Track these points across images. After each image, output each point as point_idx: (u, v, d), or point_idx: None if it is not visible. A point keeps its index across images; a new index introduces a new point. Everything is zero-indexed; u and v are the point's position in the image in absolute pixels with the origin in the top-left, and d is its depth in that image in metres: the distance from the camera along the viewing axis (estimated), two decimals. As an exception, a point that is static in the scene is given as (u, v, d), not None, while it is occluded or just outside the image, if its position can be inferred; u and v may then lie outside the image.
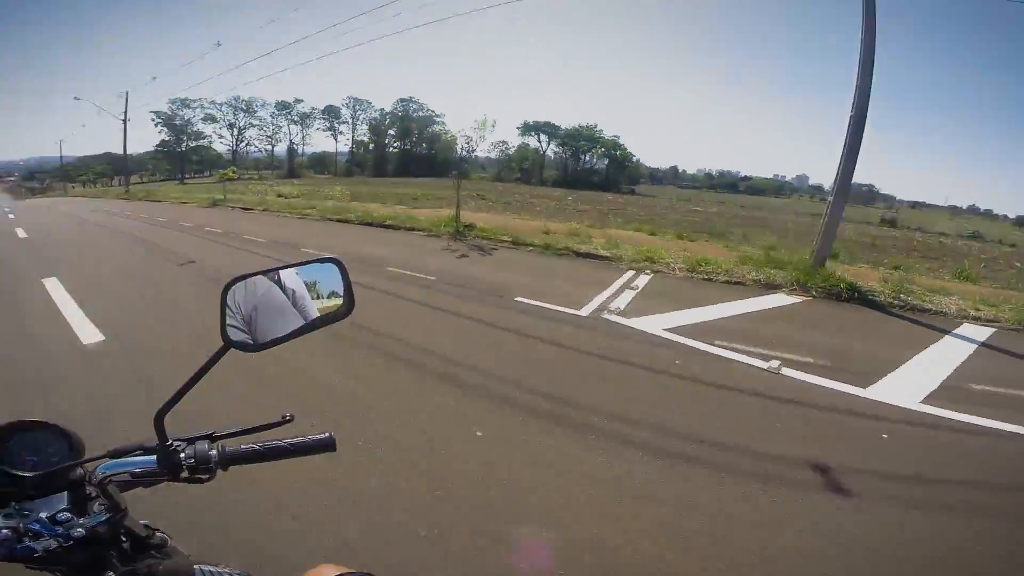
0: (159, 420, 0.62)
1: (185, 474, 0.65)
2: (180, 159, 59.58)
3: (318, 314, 0.71)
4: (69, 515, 0.59)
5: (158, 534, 0.68)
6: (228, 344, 0.63)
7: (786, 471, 2.34)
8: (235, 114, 61.73)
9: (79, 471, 0.62)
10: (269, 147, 63.93)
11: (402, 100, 63.91)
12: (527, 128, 57.64)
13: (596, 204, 26.15)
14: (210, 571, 0.72)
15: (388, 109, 63.87)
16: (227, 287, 0.64)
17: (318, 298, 0.72)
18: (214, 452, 0.65)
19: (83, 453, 0.64)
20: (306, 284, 0.71)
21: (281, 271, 0.69)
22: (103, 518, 0.60)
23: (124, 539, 0.65)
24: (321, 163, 64.01)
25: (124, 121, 34.50)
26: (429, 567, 1.72)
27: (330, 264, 0.73)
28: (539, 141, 58.25)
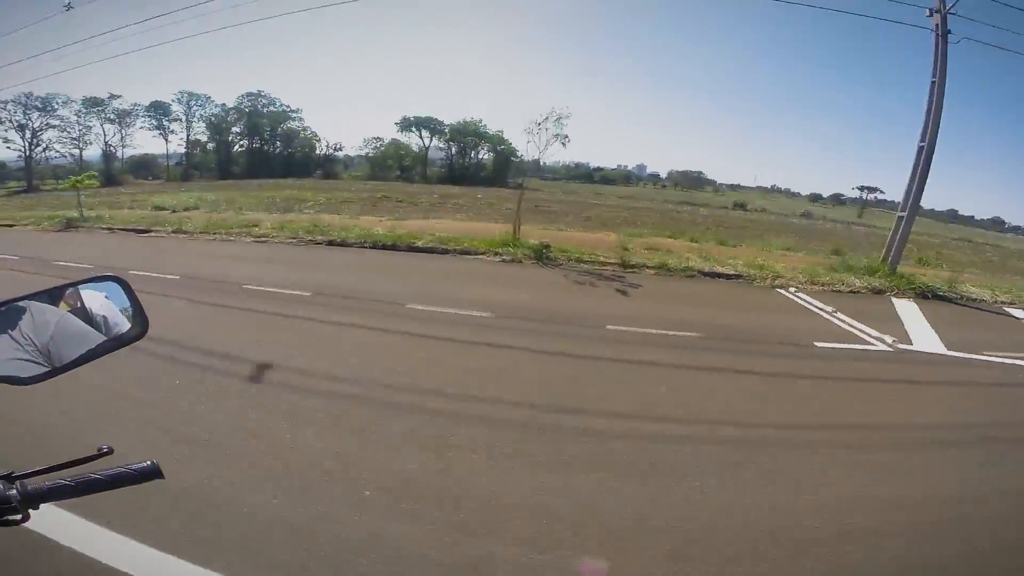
0: None
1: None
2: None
3: (104, 337, 0.68)
4: None
5: None
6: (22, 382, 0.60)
7: None
8: (26, 113, 49.20)
9: None
10: (75, 151, 51.17)
11: (249, 95, 57.74)
12: (407, 124, 56.12)
13: (506, 201, 23.49)
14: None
15: (231, 104, 57.36)
16: None
17: (104, 320, 0.69)
18: (14, 491, 0.59)
19: None
20: (89, 306, 0.68)
21: (57, 291, 0.67)
22: None
23: None
24: (144, 167, 54.85)
25: None
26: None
27: (111, 283, 0.71)
28: (420, 137, 57.20)
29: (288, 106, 55.68)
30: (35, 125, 47.85)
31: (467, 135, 56.33)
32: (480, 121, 56.83)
